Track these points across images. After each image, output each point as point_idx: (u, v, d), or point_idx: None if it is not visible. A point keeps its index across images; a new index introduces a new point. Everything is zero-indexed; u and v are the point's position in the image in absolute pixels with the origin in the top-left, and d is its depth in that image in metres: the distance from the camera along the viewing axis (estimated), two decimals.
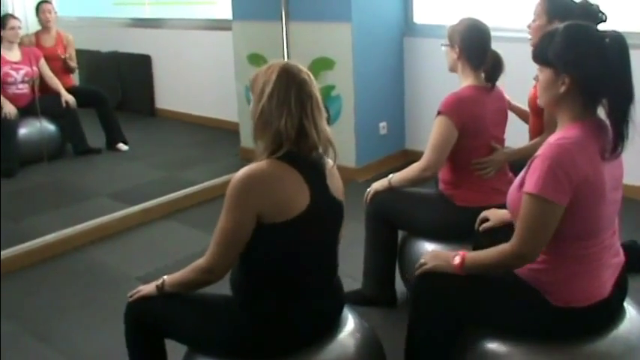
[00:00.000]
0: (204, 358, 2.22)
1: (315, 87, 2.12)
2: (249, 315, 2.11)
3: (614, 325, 2.18)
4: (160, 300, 2.25)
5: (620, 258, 2.22)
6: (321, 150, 2.12)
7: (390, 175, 3.15)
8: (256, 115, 2.09)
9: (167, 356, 2.36)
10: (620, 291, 2.20)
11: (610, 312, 2.18)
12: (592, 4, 3.12)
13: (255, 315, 2.11)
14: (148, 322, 2.28)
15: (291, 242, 2.08)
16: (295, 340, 2.15)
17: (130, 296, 2.32)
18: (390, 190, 3.13)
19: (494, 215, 2.56)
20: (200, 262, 2.14)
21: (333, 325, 2.26)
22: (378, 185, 3.17)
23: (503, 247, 2.07)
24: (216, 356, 2.19)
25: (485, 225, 2.57)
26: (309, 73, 2.14)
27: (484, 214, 2.60)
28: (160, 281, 2.26)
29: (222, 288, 2.25)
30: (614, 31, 1.98)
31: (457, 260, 2.16)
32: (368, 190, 3.21)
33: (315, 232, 2.12)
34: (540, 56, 2.07)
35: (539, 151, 2.01)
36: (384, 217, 3.17)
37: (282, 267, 2.11)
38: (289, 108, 2.05)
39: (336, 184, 2.21)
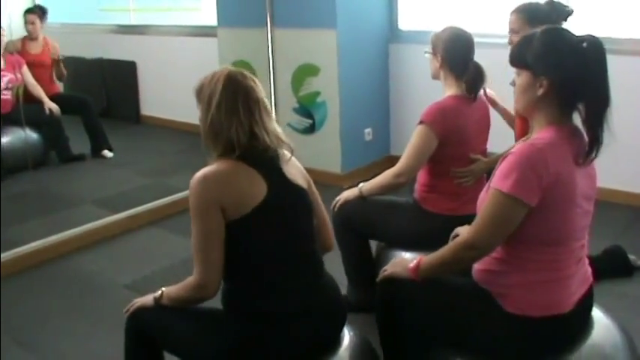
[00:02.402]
0: None
1: (261, 91, 2.16)
2: (240, 325, 2.10)
3: (587, 336, 2.15)
4: (157, 311, 2.24)
5: (588, 276, 2.20)
6: (272, 148, 2.14)
7: (361, 184, 3.13)
8: (206, 126, 2.13)
9: None
10: (581, 312, 2.16)
11: (568, 331, 2.12)
12: (556, 1, 3.16)
13: (244, 322, 2.10)
14: (146, 333, 2.27)
15: (259, 233, 2.08)
16: (293, 348, 2.12)
17: (127, 310, 2.31)
18: (360, 199, 3.11)
19: (465, 231, 2.55)
20: (190, 279, 2.13)
21: (337, 333, 2.26)
22: (348, 194, 3.14)
23: (457, 239, 2.11)
24: None
25: None
26: (254, 77, 2.17)
27: (456, 230, 2.55)
28: (158, 293, 2.25)
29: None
30: (592, 36, 2.00)
31: (412, 264, 2.18)
32: (337, 198, 3.18)
33: (280, 220, 2.12)
34: (518, 59, 2.09)
35: (512, 150, 2.03)
36: (352, 227, 3.14)
37: (257, 262, 2.10)
38: (238, 117, 2.08)
39: (295, 172, 2.22)
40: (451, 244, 2.13)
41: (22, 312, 3.52)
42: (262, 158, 2.12)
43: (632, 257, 3.54)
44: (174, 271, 3.86)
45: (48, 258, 4.11)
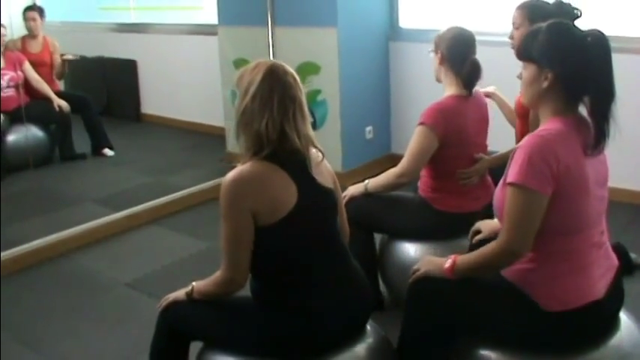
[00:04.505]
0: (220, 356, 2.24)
1: (301, 90, 2.13)
2: (273, 319, 2.12)
3: (609, 334, 2.15)
4: (190, 304, 2.27)
5: (613, 261, 2.21)
6: (302, 151, 2.13)
7: (367, 181, 3.14)
8: (239, 114, 2.11)
9: None
10: (614, 297, 2.17)
11: (603, 318, 2.15)
12: (565, 3, 3.15)
13: (277, 316, 2.12)
14: (178, 327, 2.30)
15: (289, 238, 2.10)
16: (327, 338, 2.15)
17: (160, 305, 2.33)
18: (367, 195, 3.12)
19: (486, 226, 2.55)
20: (218, 275, 2.15)
21: (365, 321, 2.29)
22: (354, 190, 3.16)
23: (492, 246, 2.08)
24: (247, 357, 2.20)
25: (478, 237, 2.55)
26: (295, 75, 2.14)
27: (477, 225, 2.60)
28: (189, 288, 2.27)
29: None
30: (597, 31, 2.02)
31: (448, 264, 2.17)
32: (343, 194, 3.18)
33: (310, 224, 2.13)
34: (524, 53, 2.12)
35: (521, 143, 2.05)
36: (359, 222, 3.11)
37: (288, 262, 2.12)
38: (271, 111, 2.06)
39: (323, 174, 2.22)
40: (487, 251, 2.10)
41: (23, 310, 3.52)
42: (292, 160, 2.11)
43: (633, 255, 3.55)
44: (176, 269, 3.87)
45: (49, 256, 4.11)
